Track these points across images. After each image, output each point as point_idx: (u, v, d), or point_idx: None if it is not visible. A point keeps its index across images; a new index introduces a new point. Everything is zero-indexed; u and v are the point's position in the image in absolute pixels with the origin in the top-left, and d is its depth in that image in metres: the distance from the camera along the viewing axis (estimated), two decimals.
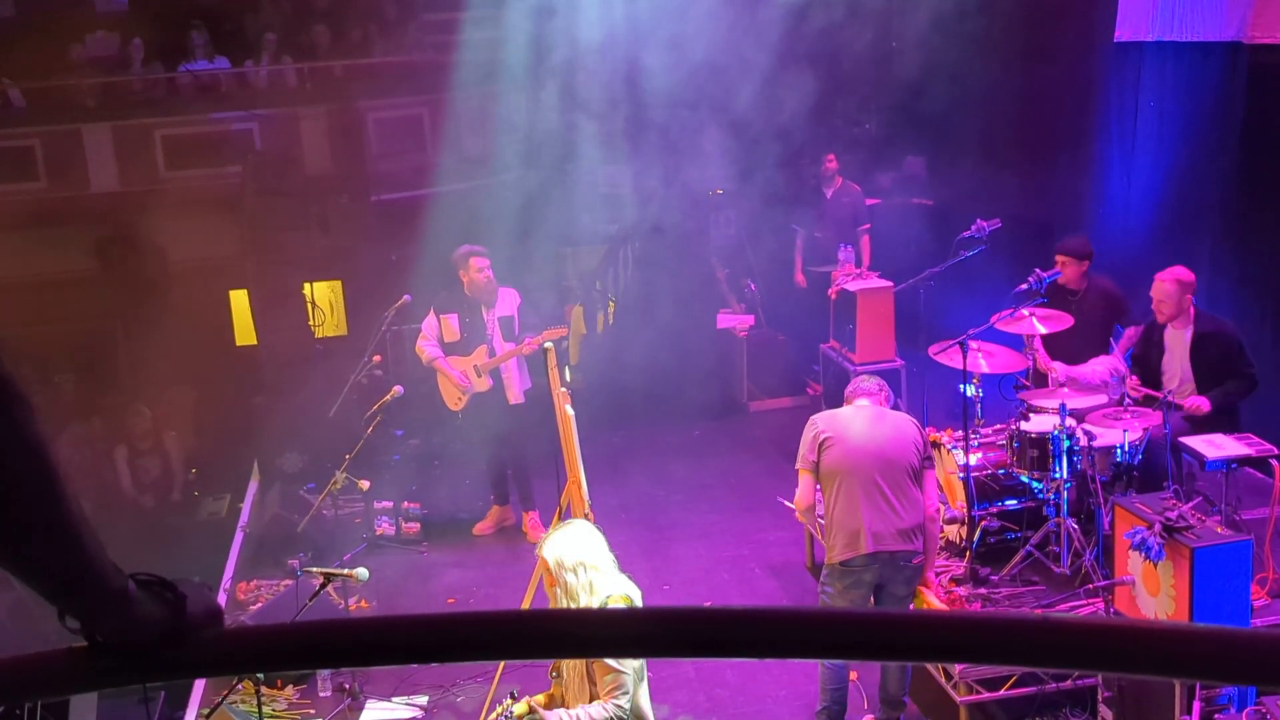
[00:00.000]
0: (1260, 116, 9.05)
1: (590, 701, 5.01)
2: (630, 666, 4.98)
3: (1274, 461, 6.86)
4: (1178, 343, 7.88)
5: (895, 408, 7.29)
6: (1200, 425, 7.51)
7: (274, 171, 12.46)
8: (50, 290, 11.96)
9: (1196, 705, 5.86)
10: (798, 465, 6.66)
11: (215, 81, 13.31)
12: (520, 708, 5.18)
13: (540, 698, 5.25)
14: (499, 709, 5.27)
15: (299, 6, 13.72)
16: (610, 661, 4.92)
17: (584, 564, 5.09)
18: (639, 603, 5.25)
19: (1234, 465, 6.88)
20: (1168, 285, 7.79)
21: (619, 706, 4.94)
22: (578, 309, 13.19)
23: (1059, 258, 8.47)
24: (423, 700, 7.46)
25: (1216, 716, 5.91)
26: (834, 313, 10.78)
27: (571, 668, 5.12)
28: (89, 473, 10.91)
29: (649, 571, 9.06)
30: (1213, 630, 1.01)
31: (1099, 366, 8.10)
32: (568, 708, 5.11)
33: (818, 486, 6.58)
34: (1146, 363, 8.05)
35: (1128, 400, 7.37)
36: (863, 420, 6.56)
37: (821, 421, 6.62)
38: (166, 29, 13.00)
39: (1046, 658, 1.07)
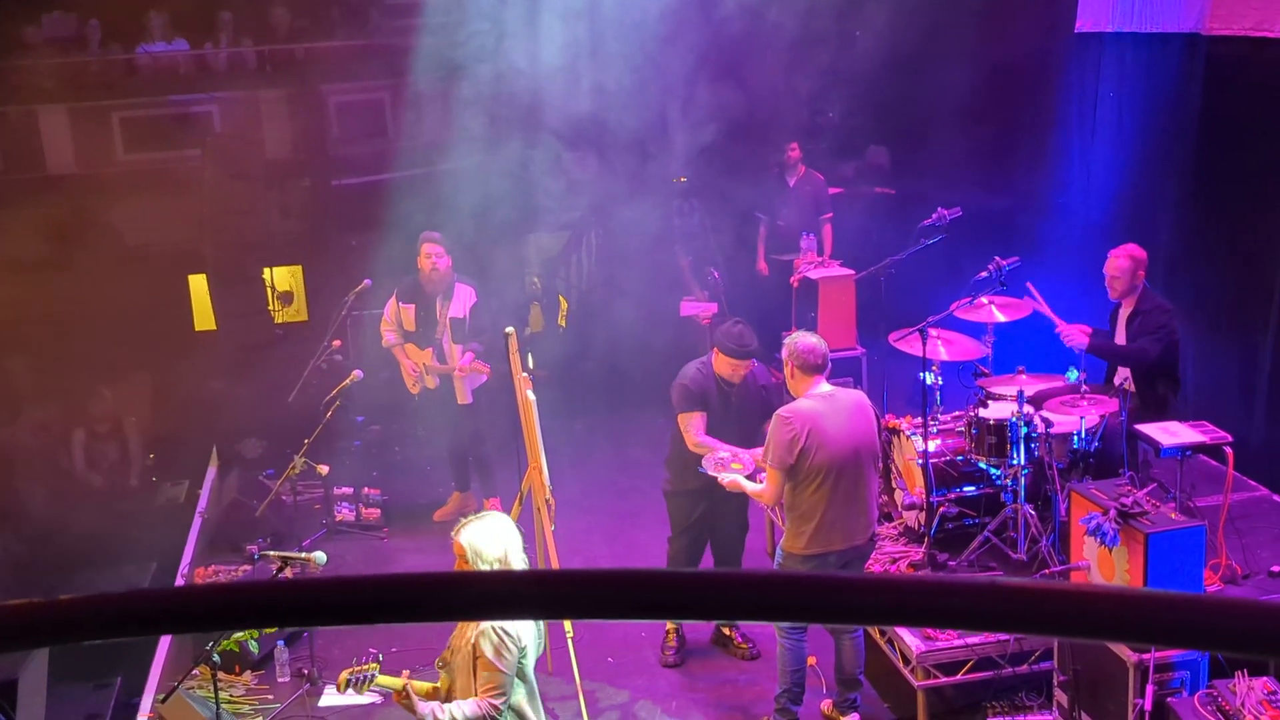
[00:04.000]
0: (1217, 107, 9.13)
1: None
2: (511, 668, 4.92)
3: (1228, 449, 6.93)
4: (1122, 320, 7.96)
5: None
6: (1148, 407, 7.58)
7: (233, 155, 12.36)
8: (4, 273, 11.81)
9: (1150, 688, 5.92)
10: (769, 463, 6.48)
11: (174, 63, 13.18)
12: (392, 681, 5.11)
13: (427, 686, 5.15)
14: (357, 667, 5.19)
15: None
16: (492, 659, 4.86)
17: (499, 561, 4.99)
18: None
19: (1189, 452, 6.94)
20: (1121, 260, 7.84)
21: (493, 705, 4.89)
22: (536, 307, 13.18)
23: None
24: None
25: (1169, 700, 5.97)
26: (796, 301, 10.81)
27: (459, 662, 5.03)
28: (46, 458, 10.82)
29: (610, 558, 9.08)
30: (1155, 594, 1.02)
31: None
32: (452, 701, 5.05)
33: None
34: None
35: (1084, 386, 7.43)
36: (834, 415, 6.42)
37: (797, 423, 6.35)
38: (124, 10, 12.85)
39: (995, 621, 1.07)
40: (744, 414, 7.37)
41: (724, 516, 7.62)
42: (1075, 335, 7.82)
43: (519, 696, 5.04)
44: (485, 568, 4.93)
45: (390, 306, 9.40)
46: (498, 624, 4.87)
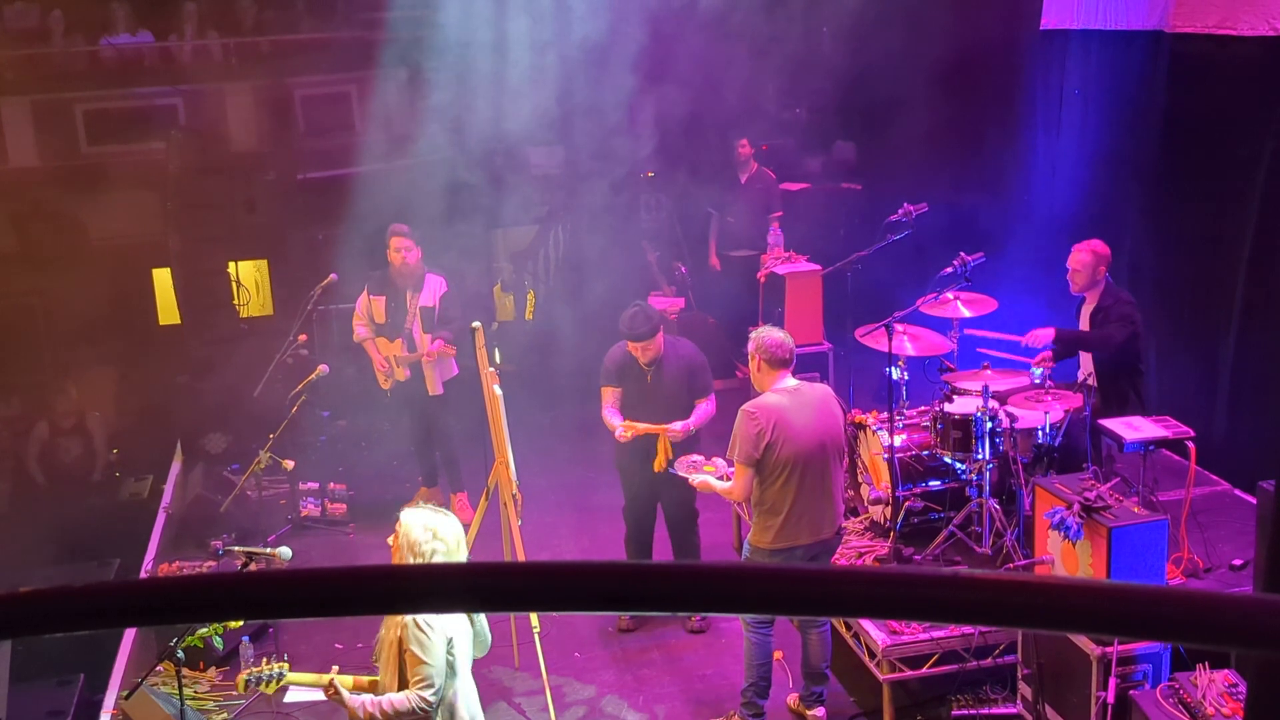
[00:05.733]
0: (1181, 104, 9.20)
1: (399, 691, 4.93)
2: (437, 660, 4.88)
3: (1190, 444, 6.99)
4: (1085, 315, 8.02)
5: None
6: (1109, 403, 7.64)
7: (199, 148, 12.27)
8: None
9: (1112, 681, 5.97)
10: (736, 459, 6.50)
11: (138, 55, 13.07)
12: (312, 677, 5.03)
13: (363, 680, 5.11)
14: (258, 668, 5.11)
15: None
16: (417, 652, 4.83)
17: (427, 560, 4.95)
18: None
19: (1151, 447, 7.00)
20: (1083, 255, 7.91)
21: (423, 699, 4.85)
22: (509, 296, 13.16)
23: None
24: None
25: (1131, 693, 6.02)
26: (763, 296, 10.83)
27: (385, 657, 4.99)
28: (8, 453, 10.73)
29: (576, 553, 9.08)
30: (1116, 585, 1.02)
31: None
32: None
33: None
34: None
35: (1048, 381, 7.48)
36: (800, 409, 6.45)
37: (762, 417, 6.39)
38: (87, 1, 12.73)
39: (959, 612, 1.08)
40: (667, 390, 7.73)
41: (669, 484, 7.76)
42: (1038, 335, 7.85)
43: (450, 692, 5.00)
44: (410, 559, 4.93)
45: (361, 301, 9.37)
46: (418, 617, 4.85)
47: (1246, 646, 1.00)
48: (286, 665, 5.20)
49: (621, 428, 7.63)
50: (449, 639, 4.94)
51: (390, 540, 5.20)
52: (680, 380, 7.76)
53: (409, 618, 4.87)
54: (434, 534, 5.01)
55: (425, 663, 4.85)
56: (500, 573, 1.14)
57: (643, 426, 7.61)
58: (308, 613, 1.16)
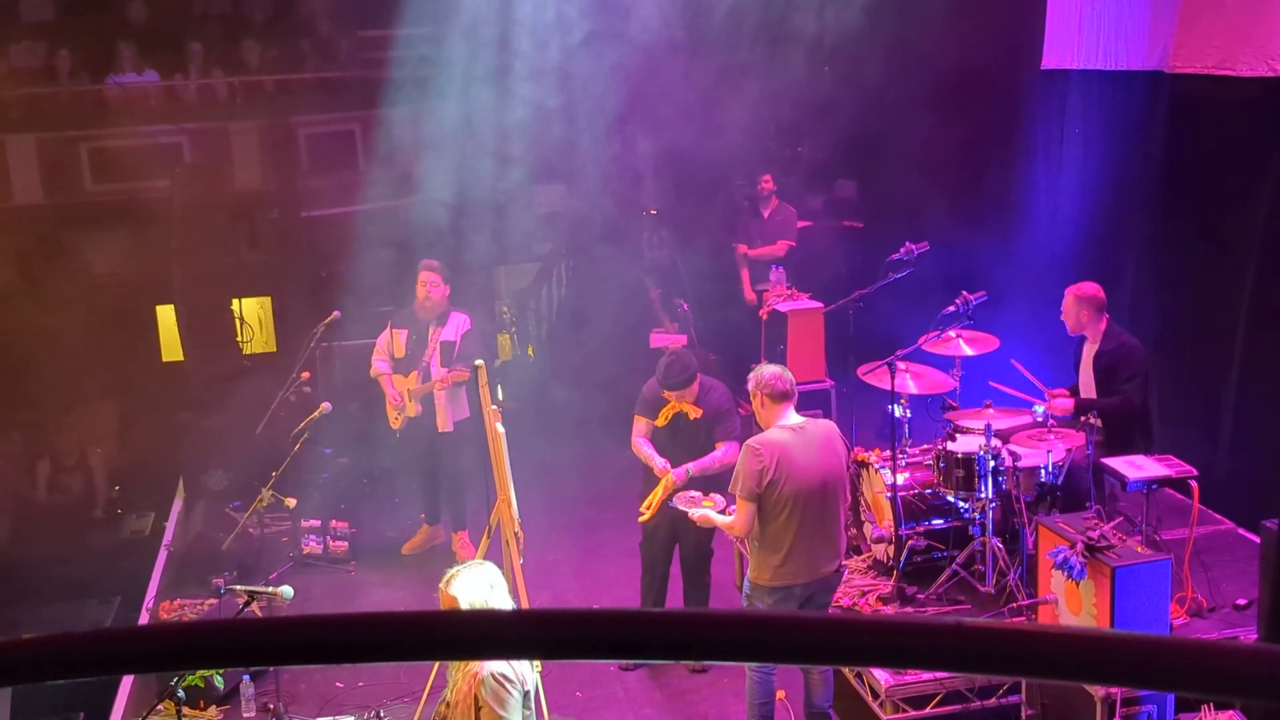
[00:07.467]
0: (1181, 143, 9.24)
1: None
2: (516, 714, 4.87)
3: (1193, 483, 6.98)
4: (1087, 358, 8.03)
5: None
6: (1115, 447, 7.61)
7: (203, 185, 12.31)
8: None
9: None
10: (739, 494, 6.48)
11: (144, 94, 13.12)
12: None
13: None
14: None
15: (230, 20, 13.58)
16: (495, 708, 4.82)
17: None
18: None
19: (1154, 486, 6.99)
20: (1066, 298, 7.96)
21: None
22: (506, 336, 13.18)
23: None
24: None
25: None
26: (765, 333, 10.84)
27: (459, 715, 4.97)
28: (7, 489, 10.72)
29: (580, 591, 9.04)
30: (1121, 635, 1.02)
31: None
32: None
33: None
34: (1075, 378, 8.21)
35: (1051, 420, 7.47)
36: (803, 446, 6.43)
37: (766, 453, 6.37)
38: (94, 40, 12.81)
39: (960, 662, 1.08)
40: (696, 433, 7.70)
41: (688, 524, 7.59)
42: (1059, 405, 7.81)
43: None
44: None
45: (383, 336, 9.39)
46: (497, 670, 4.83)
47: (1253, 698, 1.00)
48: None
49: (663, 464, 7.56)
50: (526, 692, 4.93)
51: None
52: (708, 424, 7.72)
53: (487, 674, 4.85)
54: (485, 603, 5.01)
55: (503, 717, 4.85)
56: (534, 620, 1.14)
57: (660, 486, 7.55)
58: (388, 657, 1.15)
